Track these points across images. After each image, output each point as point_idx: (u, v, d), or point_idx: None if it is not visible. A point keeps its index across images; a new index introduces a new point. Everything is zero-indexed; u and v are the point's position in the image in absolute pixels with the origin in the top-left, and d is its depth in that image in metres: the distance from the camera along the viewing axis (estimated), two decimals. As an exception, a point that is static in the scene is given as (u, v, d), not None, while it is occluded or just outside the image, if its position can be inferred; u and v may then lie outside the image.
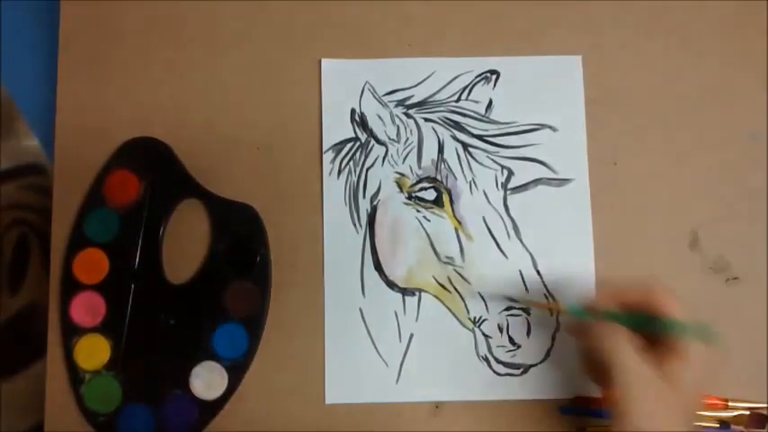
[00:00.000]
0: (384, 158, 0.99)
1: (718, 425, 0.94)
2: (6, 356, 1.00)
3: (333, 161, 0.99)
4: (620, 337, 0.82)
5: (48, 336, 0.96)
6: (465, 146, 0.98)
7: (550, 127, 0.99)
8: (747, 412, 0.95)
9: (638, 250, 0.98)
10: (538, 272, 0.97)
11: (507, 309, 0.96)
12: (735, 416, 0.94)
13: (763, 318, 0.97)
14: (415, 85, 1.00)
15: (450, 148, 0.99)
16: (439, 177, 0.98)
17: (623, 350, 0.81)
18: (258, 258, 0.96)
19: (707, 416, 0.94)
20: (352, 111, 1.00)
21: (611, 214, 0.98)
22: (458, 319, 0.96)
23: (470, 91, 1.00)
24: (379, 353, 0.96)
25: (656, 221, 0.98)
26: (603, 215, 0.98)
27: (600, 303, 0.87)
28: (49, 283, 0.97)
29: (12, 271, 1.02)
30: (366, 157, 0.99)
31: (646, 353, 0.81)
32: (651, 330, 0.83)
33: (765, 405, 0.95)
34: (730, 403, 0.95)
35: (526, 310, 0.96)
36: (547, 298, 0.96)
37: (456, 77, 1.01)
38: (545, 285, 0.96)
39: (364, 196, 0.98)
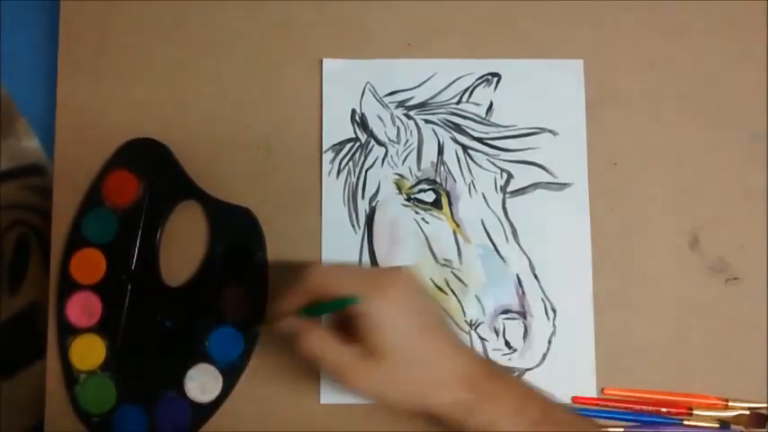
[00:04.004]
0: (384, 159, 0.99)
1: (718, 425, 0.94)
2: (6, 356, 1.01)
3: (332, 161, 0.99)
4: (310, 334, 0.82)
5: (47, 336, 0.97)
6: (465, 148, 0.98)
7: (551, 131, 0.99)
8: (747, 412, 0.95)
9: (637, 250, 0.98)
10: (535, 276, 0.97)
11: (504, 312, 0.96)
12: (735, 416, 0.95)
13: (763, 318, 0.97)
14: (416, 87, 1.00)
15: (450, 151, 0.99)
16: (438, 179, 0.98)
17: (318, 346, 0.81)
18: (255, 262, 0.96)
19: (707, 416, 0.94)
20: (353, 111, 1.00)
21: (611, 214, 0.98)
22: (454, 321, 0.96)
23: (471, 93, 1.00)
24: (375, 354, 0.96)
25: (656, 222, 0.98)
26: (603, 215, 0.98)
27: (282, 312, 0.86)
28: (49, 284, 0.97)
29: (12, 271, 1.02)
30: (366, 157, 0.99)
31: (345, 339, 0.81)
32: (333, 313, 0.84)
33: (765, 405, 0.95)
34: (730, 403, 0.95)
35: (523, 314, 0.96)
36: (544, 302, 0.96)
37: (457, 79, 1.00)
38: (542, 289, 0.96)
39: (363, 197, 0.98)
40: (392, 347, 0.79)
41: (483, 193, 0.98)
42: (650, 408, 0.95)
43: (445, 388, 0.81)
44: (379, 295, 0.80)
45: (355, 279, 0.82)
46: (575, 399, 0.95)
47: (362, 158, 0.99)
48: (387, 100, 1.00)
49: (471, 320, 0.96)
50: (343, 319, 0.83)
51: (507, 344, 0.95)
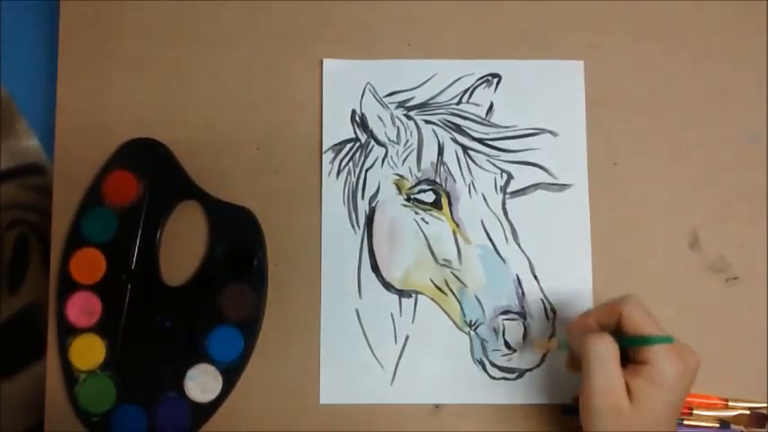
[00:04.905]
0: (383, 160, 0.99)
1: (718, 425, 0.94)
2: (6, 356, 1.01)
3: (332, 161, 0.99)
4: (605, 338, 0.82)
5: (47, 336, 0.97)
6: (465, 149, 0.98)
7: (551, 132, 0.99)
8: (747, 412, 0.95)
9: (637, 250, 0.98)
10: (535, 277, 0.97)
11: (503, 313, 0.96)
12: (735, 416, 0.95)
13: (763, 318, 0.97)
14: (417, 87, 1.00)
15: (450, 151, 0.99)
16: (438, 180, 0.98)
17: (606, 351, 0.82)
18: (255, 262, 0.96)
19: (707, 416, 0.94)
20: (353, 111, 1.00)
21: (611, 215, 0.98)
22: (454, 321, 0.97)
23: (471, 94, 1.00)
24: (374, 354, 0.96)
25: (656, 221, 0.98)
26: (603, 216, 0.98)
27: (576, 331, 0.88)
28: (49, 283, 0.97)
29: (12, 271, 1.02)
30: (366, 157, 0.99)
31: (622, 367, 0.82)
32: (626, 347, 0.83)
33: (765, 405, 0.95)
34: (730, 403, 0.95)
35: (522, 315, 0.96)
36: (543, 303, 0.96)
37: (457, 80, 1.00)
38: (542, 290, 0.97)
39: (363, 197, 0.98)
40: (648, 404, 0.80)
41: (483, 194, 0.98)
42: (650, 408, 0.95)
43: None
44: (674, 360, 0.81)
45: (660, 330, 0.83)
46: (575, 400, 0.95)
47: (362, 159, 0.99)
48: (387, 100, 1.00)
49: (471, 321, 0.96)
50: (636, 359, 0.83)
51: (507, 344, 0.96)
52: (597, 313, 0.87)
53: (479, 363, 0.96)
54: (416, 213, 0.98)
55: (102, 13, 1.01)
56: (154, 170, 0.97)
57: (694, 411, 0.94)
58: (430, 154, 0.99)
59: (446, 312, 0.97)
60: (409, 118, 0.99)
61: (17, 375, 1.01)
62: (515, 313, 0.96)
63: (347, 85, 1.00)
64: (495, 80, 1.00)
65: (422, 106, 1.00)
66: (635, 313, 0.83)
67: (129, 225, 0.96)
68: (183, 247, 0.97)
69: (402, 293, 0.97)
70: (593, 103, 1.00)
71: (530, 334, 0.96)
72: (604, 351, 0.81)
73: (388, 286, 0.97)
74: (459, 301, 0.97)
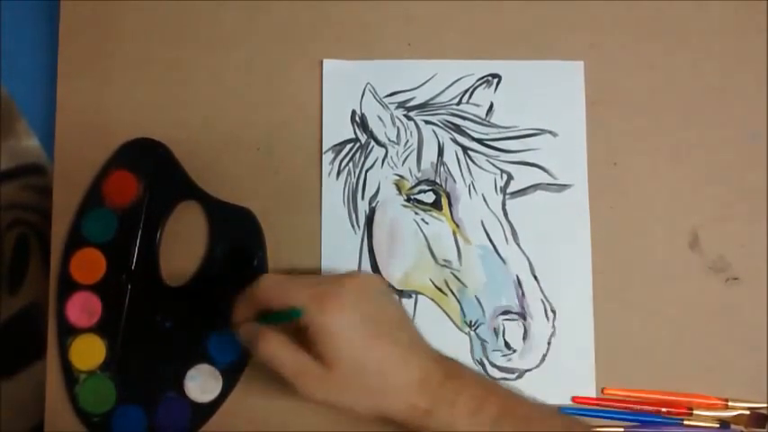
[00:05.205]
0: (384, 160, 0.99)
1: (718, 425, 0.94)
2: (6, 356, 1.01)
3: (332, 162, 0.99)
4: (267, 338, 0.82)
5: (47, 336, 0.97)
6: (465, 149, 0.98)
7: (551, 132, 0.99)
8: (747, 412, 0.95)
9: (637, 250, 0.98)
10: (535, 277, 0.97)
11: (503, 313, 0.96)
12: (735, 416, 0.95)
13: (763, 318, 0.97)
14: (417, 88, 1.00)
15: (450, 152, 0.98)
16: (438, 180, 0.98)
17: (275, 350, 0.82)
18: (255, 262, 0.96)
19: (707, 416, 0.94)
20: (353, 112, 1.00)
21: (611, 215, 0.98)
22: (453, 322, 0.96)
23: (471, 94, 1.00)
24: (374, 354, 0.96)
25: (656, 221, 0.98)
26: (603, 216, 0.98)
27: (241, 319, 0.87)
28: (49, 284, 0.97)
29: (12, 271, 1.02)
30: (366, 158, 0.99)
31: (298, 344, 0.82)
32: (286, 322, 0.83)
33: (765, 405, 0.95)
34: (730, 403, 0.95)
35: (522, 315, 0.96)
36: (543, 303, 0.96)
37: (457, 80, 1.00)
38: (542, 290, 0.96)
39: (363, 197, 0.98)
40: (339, 357, 0.80)
41: (483, 194, 0.98)
42: (650, 408, 0.95)
43: (399, 395, 0.81)
44: (320, 307, 0.80)
45: (301, 290, 0.82)
46: (575, 399, 0.95)
47: (362, 159, 0.99)
48: (387, 101, 1.00)
49: (471, 321, 0.96)
50: (300, 327, 0.82)
51: (507, 345, 0.95)
52: (243, 308, 0.87)
53: (479, 363, 0.96)
54: (416, 214, 0.98)
55: (102, 13, 1.01)
56: (154, 170, 0.97)
57: (694, 411, 0.94)
58: (430, 154, 0.98)
59: (446, 313, 0.97)
60: (409, 118, 0.99)
61: (17, 375, 1.00)
62: (515, 313, 0.96)
63: (347, 85, 1.00)
64: (496, 80, 1.00)
65: (422, 106, 0.99)
66: (269, 292, 0.83)
67: (129, 225, 0.96)
68: (183, 247, 0.97)
69: (402, 294, 0.97)
70: (593, 103, 1.00)
71: (530, 334, 0.96)
72: (267, 351, 0.82)
73: (387, 286, 0.97)
74: (459, 301, 0.96)
